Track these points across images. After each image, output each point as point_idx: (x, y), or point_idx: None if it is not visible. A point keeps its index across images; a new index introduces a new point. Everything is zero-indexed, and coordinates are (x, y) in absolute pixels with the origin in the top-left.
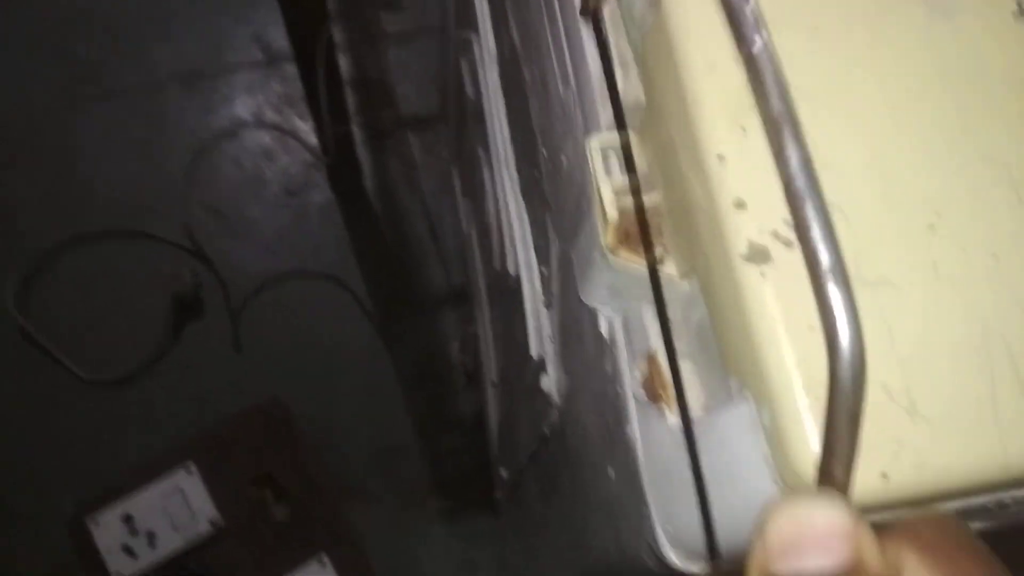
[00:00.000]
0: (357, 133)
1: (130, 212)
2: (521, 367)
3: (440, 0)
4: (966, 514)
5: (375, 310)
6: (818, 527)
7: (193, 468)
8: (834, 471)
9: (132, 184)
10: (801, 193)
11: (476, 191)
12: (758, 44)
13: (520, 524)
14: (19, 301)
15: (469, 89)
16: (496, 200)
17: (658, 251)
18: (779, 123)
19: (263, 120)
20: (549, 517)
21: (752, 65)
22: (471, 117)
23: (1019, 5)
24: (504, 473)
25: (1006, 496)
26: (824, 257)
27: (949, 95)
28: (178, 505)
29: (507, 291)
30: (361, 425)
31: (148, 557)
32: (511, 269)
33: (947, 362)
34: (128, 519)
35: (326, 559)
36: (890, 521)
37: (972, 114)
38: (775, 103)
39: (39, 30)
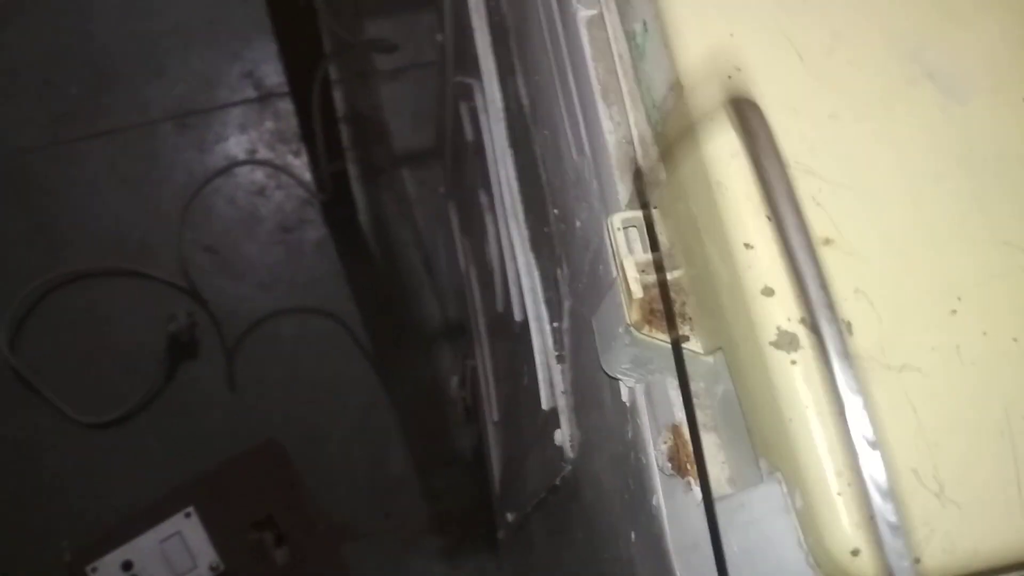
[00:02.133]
0: (351, 169)
1: (124, 251)
2: (530, 414)
3: (437, 41)
4: None
5: (371, 345)
6: None
7: (192, 512)
8: None
9: (126, 223)
10: None
11: (476, 232)
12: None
13: (524, 567)
14: (12, 342)
15: (469, 132)
16: (500, 246)
17: (683, 328)
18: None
19: (257, 157)
20: (556, 562)
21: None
22: (470, 158)
23: None
24: (509, 516)
25: None
26: None
27: (965, 179)
28: (178, 550)
29: (511, 335)
30: (358, 462)
31: None
32: (517, 315)
33: (972, 445)
34: (127, 566)
35: None
36: None
37: (988, 197)
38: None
39: (29, 69)
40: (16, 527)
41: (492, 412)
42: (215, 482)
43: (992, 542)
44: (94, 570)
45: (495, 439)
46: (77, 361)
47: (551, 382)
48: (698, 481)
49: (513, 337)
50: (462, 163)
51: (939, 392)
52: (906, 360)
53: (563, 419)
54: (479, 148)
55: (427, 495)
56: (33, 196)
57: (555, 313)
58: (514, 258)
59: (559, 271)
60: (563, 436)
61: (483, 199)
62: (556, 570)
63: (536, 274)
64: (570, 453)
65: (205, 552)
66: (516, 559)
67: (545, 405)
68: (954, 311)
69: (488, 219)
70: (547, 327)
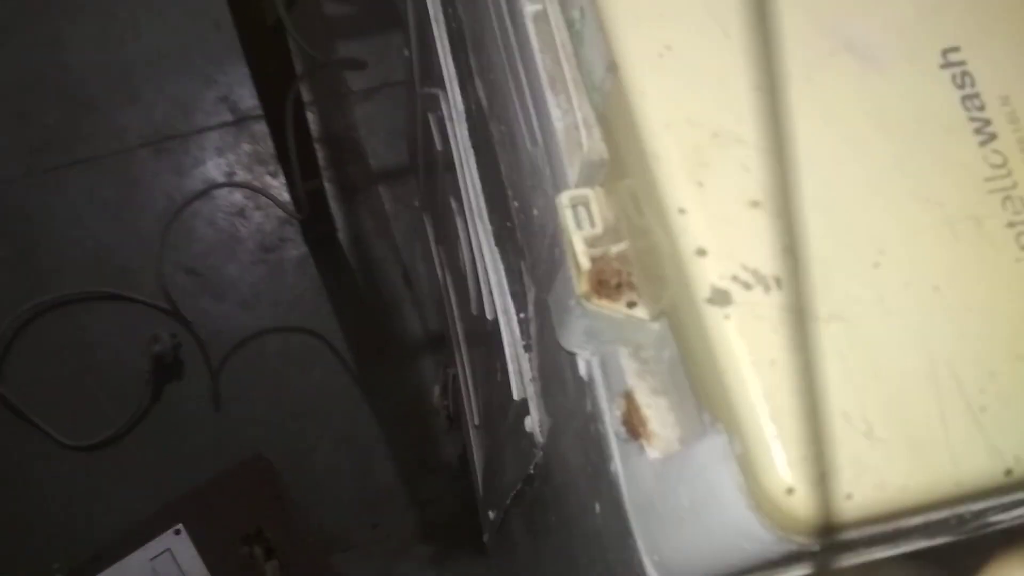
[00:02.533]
0: (328, 188)
1: (106, 275)
2: (503, 409)
3: (405, 58)
4: (930, 529)
5: (353, 359)
6: None
7: (182, 529)
8: None
9: (107, 248)
10: None
11: (450, 238)
12: None
13: (509, 563)
14: None
15: (438, 142)
16: (470, 248)
17: (629, 296)
18: None
19: (235, 179)
20: (538, 554)
21: None
22: (441, 169)
23: (944, 56)
24: (491, 514)
25: (964, 511)
26: None
27: (885, 142)
28: (168, 567)
29: (484, 335)
30: (345, 474)
31: None
32: (488, 314)
33: (899, 388)
34: None
35: None
36: None
37: (907, 158)
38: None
39: (3, 100)
40: (6, 551)
41: (473, 416)
42: (203, 499)
43: (920, 478)
44: None
45: (477, 442)
46: (63, 385)
47: (520, 371)
48: (650, 441)
49: (487, 338)
50: (434, 174)
51: (865, 340)
52: (832, 311)
53: (532, 405)
54: (448, 157)
55: (414, 503)
56: (13, 225)
57: (521, 304)
58: (482, 256)
59: (523, 263)
60: (532, 422)
61: (453, 205)
62: (536, 561)
63: (501, 268)
64: (539, 438)
65: (195, 568)
66: (501, 558)
67: (516, 395)
68: (877, 264)
69: (459, 223)
70: (514, 319)
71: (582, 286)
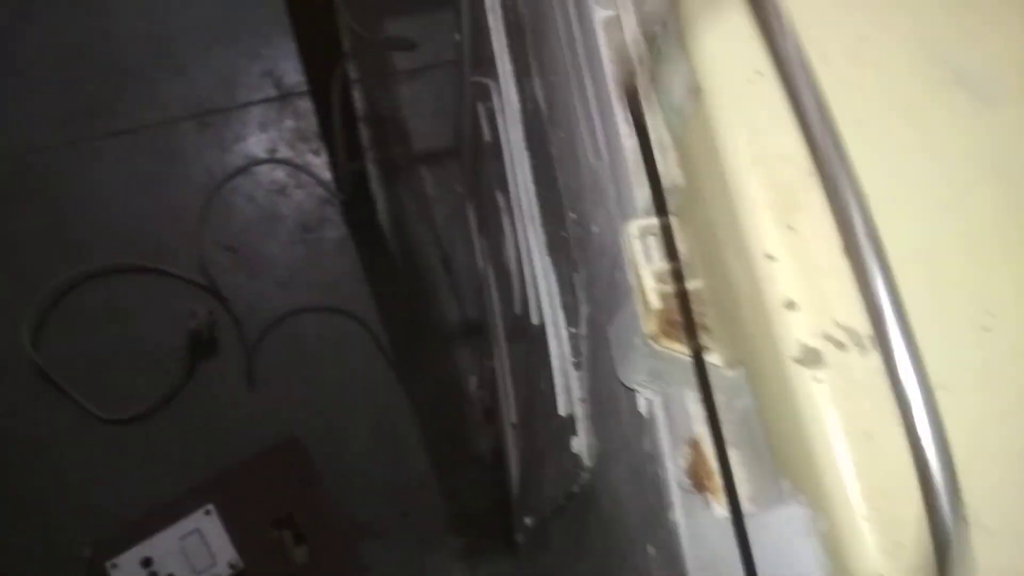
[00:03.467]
0: (371, 168)
1: (144, 249)
2: (546, 419)
3: (455, 41)
4: None
5: (390, 344)
6: None
7: (212, 510)
8: None
9: (146, 221)
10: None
11: (493, 232)
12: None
13: (541, 571)
14: (34, 339)
15: (486, 132)
16: (517, 248)
17: (702, 340)
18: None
19: (277, 156)
20: (575, 570)
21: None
22: (488, 158)
23: None
24: (527, 521)
25: None
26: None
27: (999, 187)
28: (197, 547)
29: (529, 337)
30: (377, 461)
31: None
32: (533, 319)
33: (1005, 470)
34: (147, 562)
35: None
36: None
37: (1022, 208)
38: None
39: (47, 67)
40: (37, 522)
41: (510, 414)
42: (235, 480)
43: (1020, 564)
44: (114, 566)
45: (513, 441)
46: (98, 358)
47: (568, 388)
48: (718, 498)
49: (530, 340)
50: (480, 163)
51: (971, 413)
52: (936, 379)
53: (580, 427)
54: (496, 149)
55: (445, 495)
56: (52, 194)
57: (572, 318)
58: (531, 261)
59: (576, 276)
60: (580, 444)
61: (500, 200)
62: (573, 574)
63: (553, 278)
64: (587, 461)
65: (224, 550)
66: (533, 563)
67: (562, 411)
68: (987, 328)
69: (505, 220)
70: (564, 332)
71: (650, 326)
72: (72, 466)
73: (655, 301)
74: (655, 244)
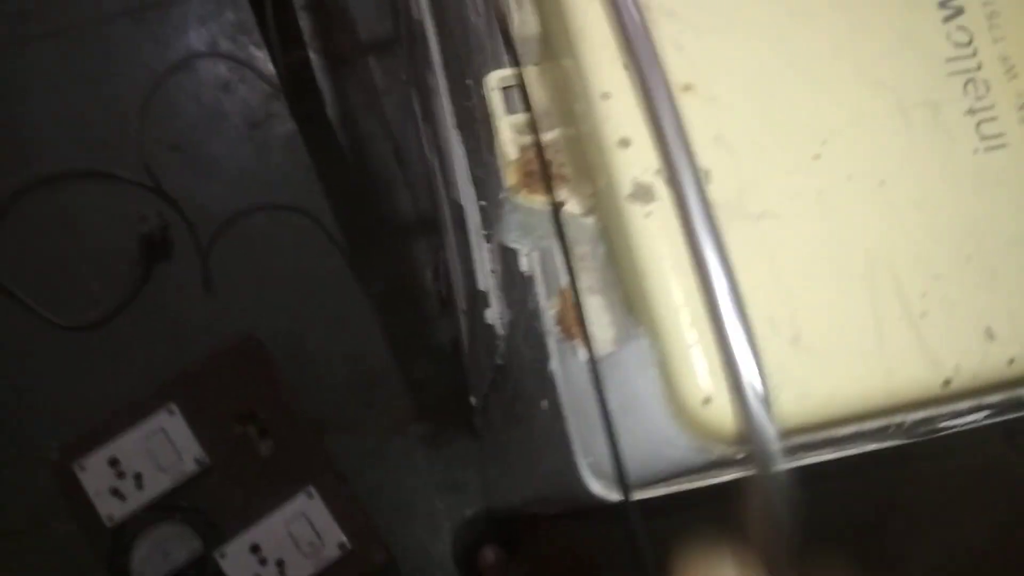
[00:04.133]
0: (315, 59)
1: (86, 153)
2: (474, 297)
3: None
4: (866, 436)
5: (344, 239)
6: None
7: (175, 409)
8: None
9: (86, 123)
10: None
11: (434, 117)
12: None
13: (492, 449)
14: None
15: (414, 10)
16: (443, 128)
17: (561, 189)
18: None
19: (218, 50)
20: (510, 442)
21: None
22: (419, 40)
23: None
24: (473, 400)
25: (901, 420)
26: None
27: (836, 16)
28: (162, 446)
29: (460, 220)
30: (337, 356)
31: (137, 498)
32: (455, 196)
33: (831, 293)
34: (114, 462)
35: (313, 491)
36: None
37: (861, 36)
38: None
39: None
40: (1, 429)
41: (460, 301)
42: (196, 379)
43: (847, 389)
44: (81, 467)
45: (465, 327)
46: (51, 265)
47: (482, 263)
48: (583, 343)
49: (462, 223)
50: (415, 47)
51: (799, 239)
52: (766, 207)
53: (492, 297)
54: (422, 27)
55: (408, 385)
56: None
57: (482, 192)
58: (447, 137)
59: (483, 147)
60: (493, 314)
61: (430, 80)
62: (510, 447)
63: (462, 151)
64: (500, 331)
65: (190, 446)
66: (485, 442)
67: (480, 285)
68: (818, 155)
69: (436, 101)
70: (475, 206)
71: (510, 177)
72: (33, 373)
73: (512, 152)
74: (517, 96)
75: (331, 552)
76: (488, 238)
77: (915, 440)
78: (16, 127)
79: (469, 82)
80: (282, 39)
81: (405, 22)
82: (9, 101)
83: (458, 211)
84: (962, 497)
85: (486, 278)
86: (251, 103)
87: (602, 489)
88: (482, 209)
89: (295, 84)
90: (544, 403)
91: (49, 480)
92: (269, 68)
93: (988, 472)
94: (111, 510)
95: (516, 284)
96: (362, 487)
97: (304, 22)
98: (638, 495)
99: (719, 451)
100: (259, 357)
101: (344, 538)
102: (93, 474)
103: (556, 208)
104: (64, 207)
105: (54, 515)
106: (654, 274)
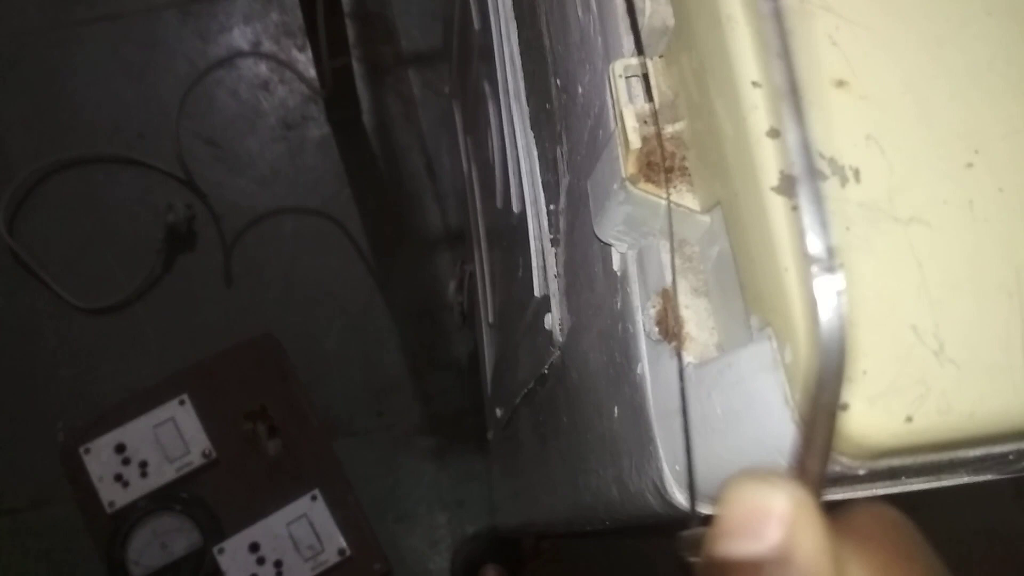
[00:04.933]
0: (356, 67)
1: (123, 139)
2: (522, 307)
3: None
4: (986, 463)
5: (369, 247)
6: (758, 510)
7: (186, 399)
8: (807, 462)
9: (125, 110)
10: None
11: (479, 127)
12: None
13: (510, 463)
14: (10, 225)
15: (476, 20)
16: (502, 134)
17: (680, 183)
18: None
19: (261, 50)
20: (543, 455)
21: None
22: (477, 52)
23: None
24: (499, 412)
25: None
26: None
27: (994, 25)
28: (171, 436)
29: (508, 229)
30: (352, 362)
31: (140, 486)
32: (515, 206)
33: (978, 305)
34: (120, 448)
35: (318, 494)
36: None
37: (1017, 46)
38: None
39: None
40: (10, 407)
41: (488, 314)
42: (210, 372)
43: (990, 407)
44: (87, 451)
45: (489, 340)
46: (75, 247)
47: (544, 268)
48: (686, 346)
49: (511, 231)
50: (468, 58)
51: (947, 248)
52: (915, 212)
53: (554, 303)
54: (485, 35)
55: (420, 397)
56: (32, 79)
57: (552, 195)
58: (514, 142)
59: (559, 149)
60: (553, 320)
61: (487, 88)
62: (540, 461)
63: (535, 154)
64: (559, 337)
65: (198, 439)
66: (503, 457)
67: (538, 292)
68: (970, 164)
69: (491, 107)
70: (543, 211)
71: (629, 167)
72: (48, 353)
73: (635, 141)
74: (640, 87)
75: (330, 557)
76: (555, 242)
77: (1011, 475)
78: (56, 108)
79: (557, 81)
80: (329, 43)
81: (459, 35)
82: (51, 81)
83: (504, 220)
84: (966, 561)
85: (547, 283)
86: (289, 104)
87: (687, 499)
88: (550, 214)
89: (335, 89)
90: (616, 410)
91: (55, 461)
92: (310, 71)
93: (994, 534)
94: (113, 496)
95: (593, 287)
96: (367, 494)
97: (350, 29)
98: None
99: (843, 464)
100: (274, 356)
101: (345, 544)
102: (98, 458)
103: (673, 203)
104: (93, 191)
105: (56, 496)
106: (795, 269)
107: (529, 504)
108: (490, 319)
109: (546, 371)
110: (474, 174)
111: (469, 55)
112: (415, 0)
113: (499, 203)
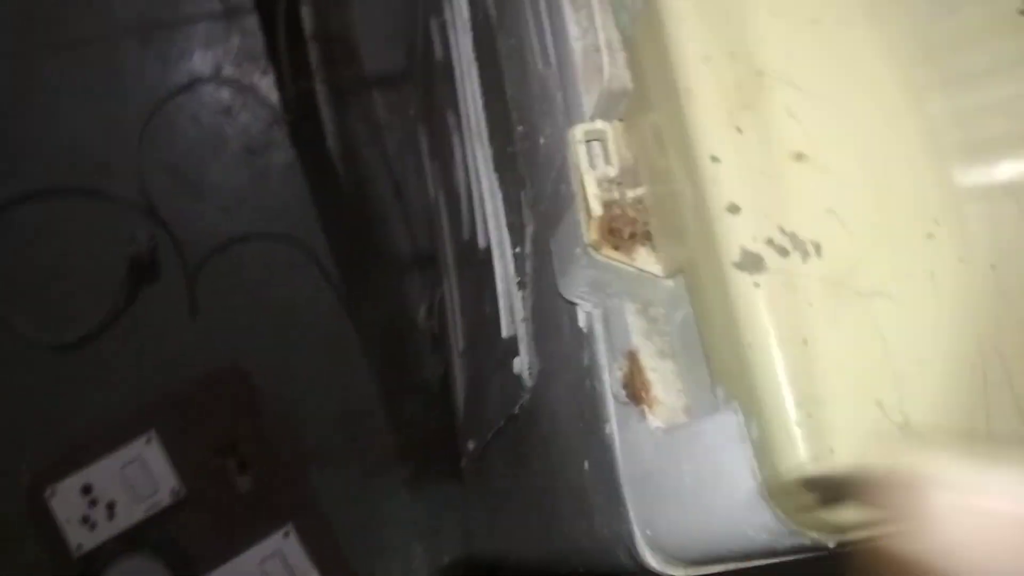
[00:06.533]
0: (320, 90)
1: (83, 168)
2: (491, 343)
3: None
4: None
5: (337, 273)
6: None
7: (154, 436)
8: None
9: (85, 139)
10: None
11: (444, 155)
12: None
13: (485, 495)
14: None
15: (438, 51)
16: (467, 170)
17: (643, 249)
18: None
19: (222, 75)
20: (518, 492)
21: None
22: (439, 79)
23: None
24: (470, 444)
25: None
26: None
27: (952, 91)
28: (139, 475)
29: (476, 262)
30: (323, 390)
31: (108, 528)
32: (480, 242)
33: (942, 377)
34: (87, 489)
35: (290, 529)
36: None
37: None
38: None
39: None
40: None
41: (458, 342)
42: (177, 407)
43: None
44: (52, 493)
45: (460, 368)
46: (35, 281)
47: (511, 309)
48: (652, 408)
49: (478, 264)
50: (432, 84)
51: (910, 321)
52: (877, 286)
53: (522, 347)
54: (448, 66)
55: (393, 423)
56: None
57: (517, 238)
58: (478, 180)
59: (523, 193)
60: (522, 364)
61: (450, 119)
62: (515, 497)
63: (499, 196)
64: (528, 381)
65: (166, 477)
66: (478, 487)
67: (505, 333)
68: (931, 235)
69: (455, 140)
70: (508, 252)
71: (591, 234)
72: (8, 392)
73: (596, 208)
74: (600, 151)
75: None
76: (521, 285)
77: None
78: (11, 138)
79: (520, 128)
80: (292, 67)
81: (422, 60)
82: (9, 111)
83: (471, 251)
84: None
85: (515, 326)
86: (252, 130)
87: (660, 564)
88: (516, 257)
89: (298, 113)
90: (586, 464)
91: (20, 504)
92: (272, 95)
93: None
94: (81, 539)
95: (560, 337)
96: (341, 524)
97: (313, 52)
98: (701, 571)
99: (811, 538)
100: (243, 387)
101: None
102: (64, 500)
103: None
104: (53, 222)
105: (23, 540)
106: (759, 347)
107: (504, 540)
108: (460, 347)
109: (516, 412)
110: (441, 200)
111: (432, 80)
112: (379, 22)
113: (466, 234)
